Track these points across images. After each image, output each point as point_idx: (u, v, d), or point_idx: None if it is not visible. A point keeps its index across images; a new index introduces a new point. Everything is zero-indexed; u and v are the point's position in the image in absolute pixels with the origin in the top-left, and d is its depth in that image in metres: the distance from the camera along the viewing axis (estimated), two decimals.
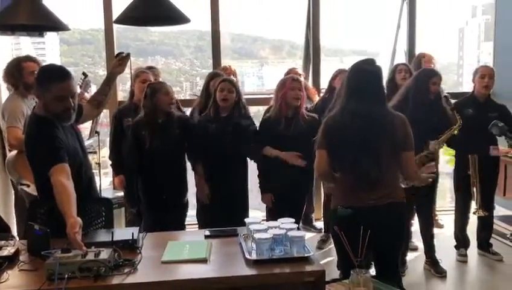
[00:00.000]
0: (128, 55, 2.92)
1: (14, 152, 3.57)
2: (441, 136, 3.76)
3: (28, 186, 3.51)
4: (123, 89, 5.42)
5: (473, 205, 4.41)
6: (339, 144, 2.59)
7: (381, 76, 2.74)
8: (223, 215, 3.52)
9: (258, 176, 3.85)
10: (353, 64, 2.75)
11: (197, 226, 4.13)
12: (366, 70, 2.66)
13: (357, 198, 2.57)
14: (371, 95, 2.61)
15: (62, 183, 2.31)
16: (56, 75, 2.49)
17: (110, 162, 4.30)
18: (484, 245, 4.46)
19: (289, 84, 3.68)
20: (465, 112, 4.03)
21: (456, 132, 3.80)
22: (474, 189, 4.18)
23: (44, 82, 2.50)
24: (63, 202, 2.25)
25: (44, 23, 2.92)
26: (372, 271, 2.70)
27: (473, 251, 4.47)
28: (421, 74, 3.87)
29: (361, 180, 2.57)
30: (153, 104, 3.57)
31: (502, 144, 4.19)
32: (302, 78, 4.55)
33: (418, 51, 5.43)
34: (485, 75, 4.16)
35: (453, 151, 4.36)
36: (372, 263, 2.80)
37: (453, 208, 4.52)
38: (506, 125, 3.82)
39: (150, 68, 4.48)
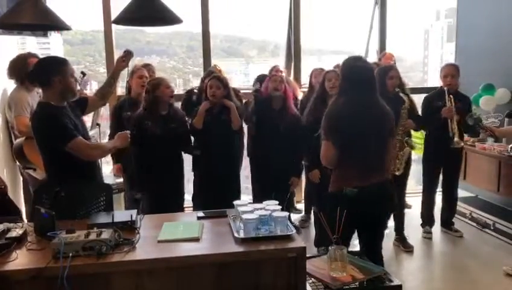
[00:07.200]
0: (131, 53, 3.00)
1: (22, 138, 3.51)
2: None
3: (34, 170, 3.45)
4: (122, 85, 5.33)
5: (439, 188, 4.45)
6: (348, 132, 2.52)
7: (372, 69, 2.73)
8: (217, 198, 3.49)
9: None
10: (345, 61, 2.69)
11: (191, 209, 4.10)
12: (359, 66, 2.64)
13: (362, 179, 2.53)
14: (368, 87, 2.61)
15: (90, 146, 2.67)
16: (61, 59, 2.71)
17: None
18: (447, 223, 4.51)
19: (269, 78, 3.84)
20: (435, 104, 4.07)
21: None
22: (450, 121, 3.99)
23: (58, 67, 2.60)
24: (102, 147, 2.85)
25: (48, 22, 2.85)
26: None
27: (436, 228, 4.52)
28: (379, 71, 3.79)
29: (369, 164, 2.55)
30: (155, 97, 3.55)
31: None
32: (283, 74, 4.53)
33: (388, 50, 5.43)
34: (447, 75, 4.16)
35: (421, 140, 4.36)
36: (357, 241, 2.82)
37: (418, 191, 4.55)
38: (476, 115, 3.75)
39: (147, 65, 4.41)
